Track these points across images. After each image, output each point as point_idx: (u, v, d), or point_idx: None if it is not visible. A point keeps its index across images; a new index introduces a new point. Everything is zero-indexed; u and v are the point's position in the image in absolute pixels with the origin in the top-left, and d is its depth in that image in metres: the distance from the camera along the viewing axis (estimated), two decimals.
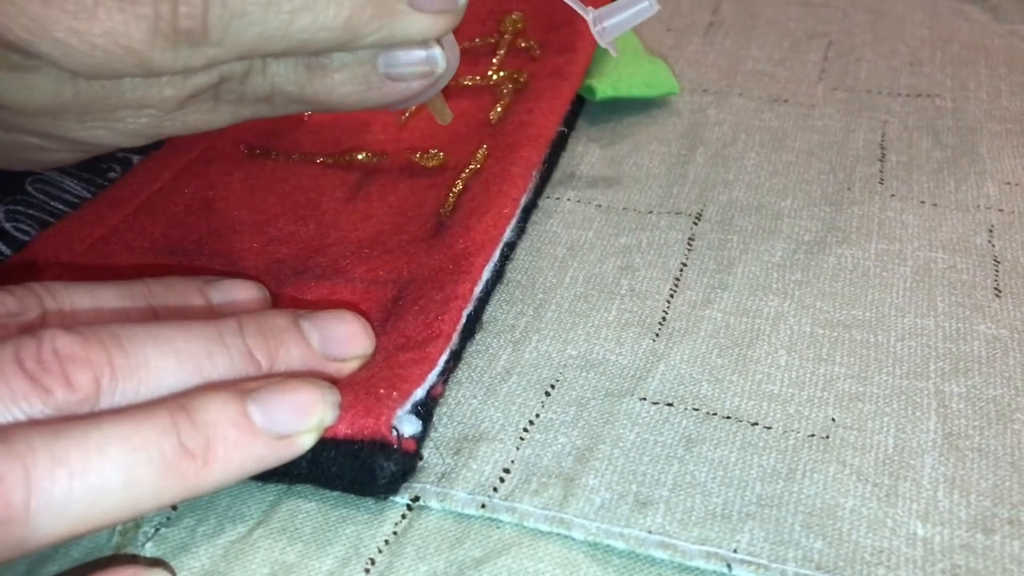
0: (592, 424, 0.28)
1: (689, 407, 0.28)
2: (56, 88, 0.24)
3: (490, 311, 0.32)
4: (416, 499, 0.26)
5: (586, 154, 0.40)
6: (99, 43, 0.22)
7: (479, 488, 0.26)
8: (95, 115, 0.25)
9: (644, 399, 0.28)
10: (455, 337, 0.29)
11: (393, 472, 0.25)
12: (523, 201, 0.35)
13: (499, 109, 0.39)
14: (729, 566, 0.24)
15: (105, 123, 0.26)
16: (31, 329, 0.23)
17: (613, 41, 0.29)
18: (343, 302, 0.31)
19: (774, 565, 0.24)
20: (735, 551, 0.24)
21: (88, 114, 0.25)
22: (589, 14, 0.29)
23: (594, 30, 0.29)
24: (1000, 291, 0.32)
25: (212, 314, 0.28)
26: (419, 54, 0.26)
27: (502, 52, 0.43)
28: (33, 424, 0.21)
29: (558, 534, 0.25)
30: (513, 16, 0.45)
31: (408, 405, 0.26)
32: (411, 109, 0.40)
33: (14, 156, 0.28)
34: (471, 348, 0.30)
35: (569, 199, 0.37)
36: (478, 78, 0.42)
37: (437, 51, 0.26)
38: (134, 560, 0.24)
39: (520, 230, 0.34)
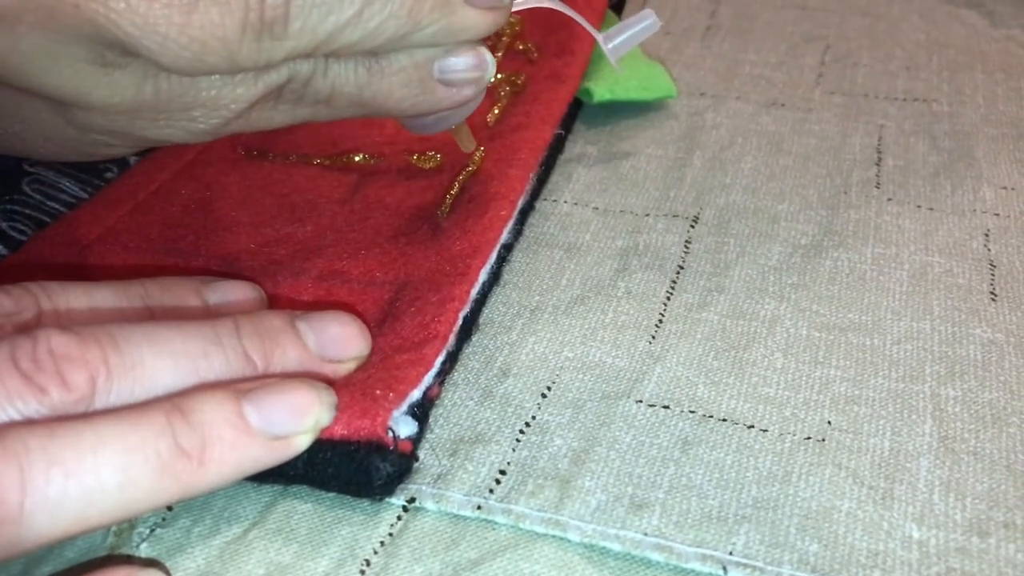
0: (588, 426, 0.28)
1: (685, 409, 0.28)
2: (139, 86, 0.25)
3: (487, 313, 0.32)
4: (412, 500, 0.26)
5: (583, 157, 0.40)
6: (196, 35, 0.23)
7: (475, 489, 0.26)
8: (170, 114, 0.26)
9: (640, 401, 0.28)
10: (451, 339, 0.29)
11: (389, 473, 0.25)
12: (520, 203, 0.35)
13: (496, 111, 0.39)
14: (725, 568, 0.24)
15: (177, 122, 0.27)
16: (27, 329, 0.23)
17: (620, 59, 0.31)
18: (340, 303, 0.31)
19: (769, 568, 0.24)
20: (731, 553, 0.24)
21: (163, 113, 0.26)
22: (599, 35, 0.30)
23: (605, 49, 0.30)
24: (996, 295, 0.32)
25: (208, 315, 0.28)
26: (472, 59, 0.28)
27: (500, 54, 0.43)
28: (28, 424, 0.21)
29: (554, 536, 0.25)
30: (511, 18, 0.45)
31: (404, 406, 0.26)
32: None
33: (78, 150, 0.29)
34: (467, 350, 0.30)
35: (566, 201, 0.37)
36: None
37: (489, 57, 0.28)
38: (129, 561, 0.24)
39: (517, 232, 0.34)
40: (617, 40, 0.30)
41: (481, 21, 0.27)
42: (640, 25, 0.30)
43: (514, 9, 0.27)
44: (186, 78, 0.25)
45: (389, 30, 0.26)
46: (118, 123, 0.26)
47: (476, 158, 0.36)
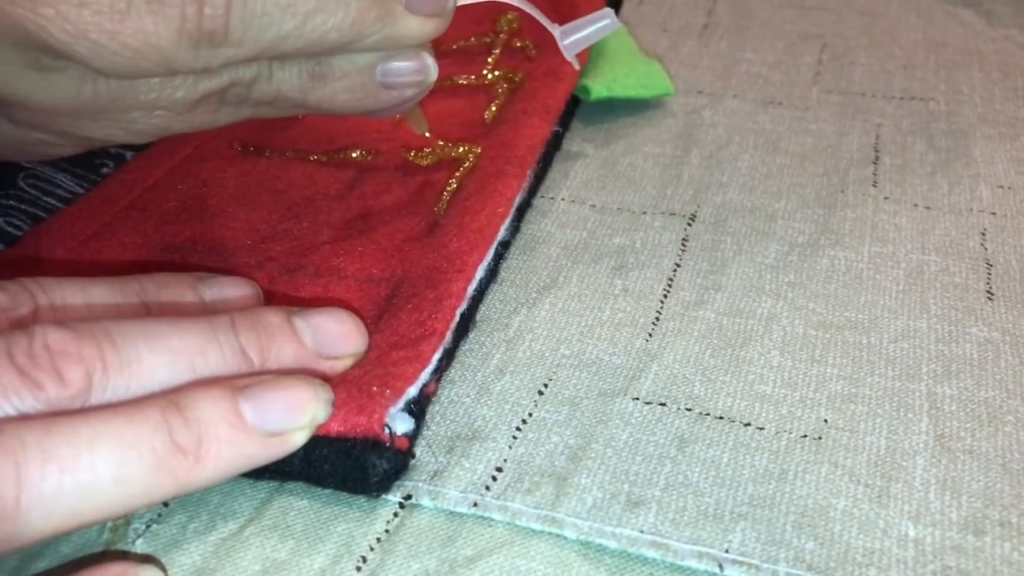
0: (585, 423, 0.27)
1: (682, 407, 0.28)
2: (78, 88, 0.25)
3: (484, 310, 0.32)
4: (408, 497, 0.26)
5: (581, 154, 0.40)
6: (129, 43, 0.23)
7: (471, 486, 0.26)
8: (109, 115, 0.26)
9: (637, 399, 0.28)
10: (448, 335, 0.29)
11: (385, 470, 0.25)
12: (517, 200, 0.35)
13: (494, 108, 0.39)
14: (721, 566, 0.24)
15: (118, 123, 0.27)
16: (23, 324, 0.23)
17: (575, 56, 0.31)
18: (336, 300, 0.31)
19: (766, 565, 0.24)
20: (727, 551, 0.24)
21: (103, 114, 0.26)
22: (556, 30, 0.30)
23: (561, 45, 0.31)
24: (992, 294, 0.32)
25: (205, 311, 0.28)
26: (413, 64, 0.28)
27: (497, 52, 0.43)
28: (24, 419, 0.21)
29: (550, 533, 0.25)
30: (509, 16, 0.45)
31: (401, 403, 0.26)
32: None
33: (23, 150, 0.29)
34: (464, 347, 0.30)
35: (563, 199, 0.37)
36: (473, 77, 0.42)
37: (430, 60, 0.28)
38: (124, 557, 0.24)
39: (514, 229, 0.34)
40: (573, 38, 0.31)
41: (422, 28, 0.27)
42: (597, 25, 0.31)
43: (460, 3, 0.28)
44: (124, 81, 0.25)
45: (331, 40, 0.26)
46: (59, 123, 0.27)
47: (473, 155, 0.36)
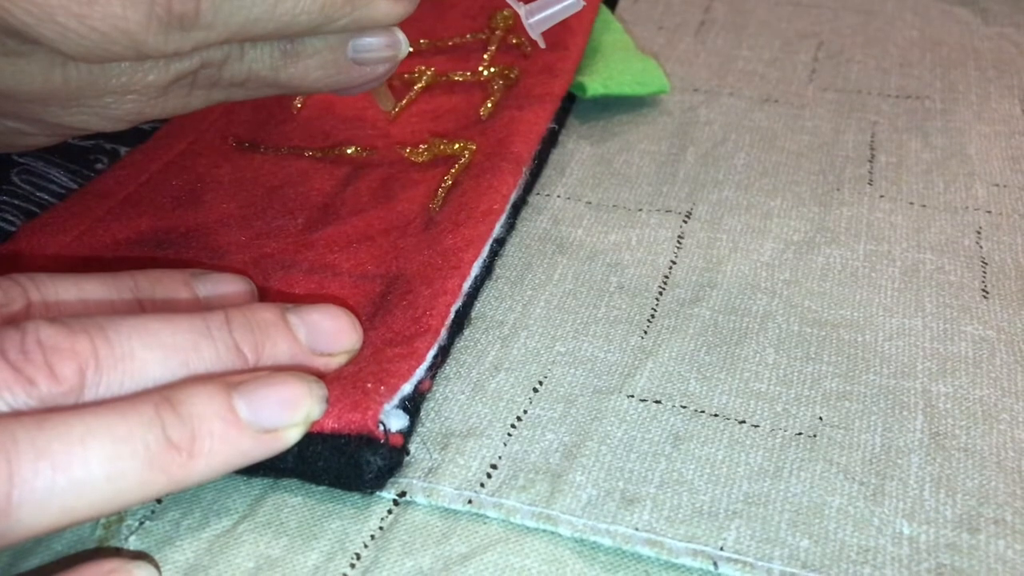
0: (580, 421, 0.27)
1: (677, 404, 0.28)
2: (47, 74, 0.25)
3: (479, 307, 0.32)
4: (403, 494, 0.25)
5: (576, 151, 0.40)
6: (97, 26, 0.23)
7: (466, 484, 0.26)
8: (81, 101, 0.26)
9: (632, 396, 0.28)
10: (443, 332, 0.29)
11: (380, 467, 0.25)
12: (513, 197, 0.35)
13: (489, 105, 0.39)
14: (715, 564, 0.24)
15: (90, 108, 0.27)
16: (16, 320, 0.22)
17: (541, 35, 0.32)
18: (331, 296, 0.30)
19: (760, 563, 0.24)
20: (721, 549, 0.24)
21: (74, 100, 0.26)
22: (521, 8, 0.31)
23: (526, 23, 0.31)
24: (988, 292, 0.32)
25: (199, 307, 0.28)
26: (384, 39, 0.29)
27: (493, 48, 0.43)
28: (16, 416, 0.21)
29: (545, 530, 0.25)
30: (504, 12, 0.44)
31: (395, 400, 0.26)
32: (402, 103, 0.40)
33: None
34: (459, 344, 0.30)
35: (559, 196, 0.37)
36: (469, 74, 0.42)
37: (401, 36, 0.29)
38: (117, 553, 0.24)
39: (510, 226, 0.34)
40: (538, 16, 0.31)
41: (391, 11, 0.27)
42: (562, 4, 0.31)
43: None
44: (94, 65, 0.25)
45: (302, 22, 0.26)
46: (29, 110, 0.26)
47: (469, 152, 0.36)
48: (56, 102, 0.26)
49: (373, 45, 0.28)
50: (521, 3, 0.31)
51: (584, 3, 0.31)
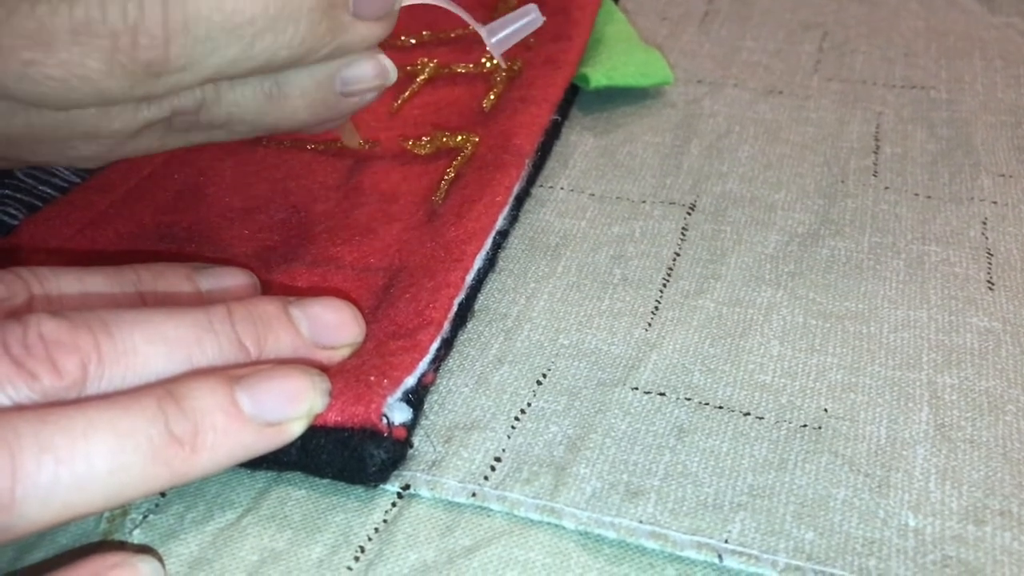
0: (584, 413, 0.27)
1: (681, 397, 0.28)
2: (8, 119, 0.24)
3: (482, 299, 0.31)
4: (406, 487, 0.25)
5: (580, 143, 0.40)
6: (54, 73, 0.22)
7: (470, 476, 0.26)
8: (49, 143, 0.25)
9: (636, 388, 0.28)
10: (446, 325, 0.29)
11: (383, 460, 0.25)
12: (516, 189, 0.34)
13: (492, 97, 0.39)
14: (720, 556, 0.24)
15: (57, 150, 0.26)
16: (18, 314, 0.22)
17: (502, 54, 0.31)
18: (334, 290, 0.30)
19: (765, 556, 0.24)
20: (726, 541, 0.24)
21: (40, 143, 0.25)
22: (482, 29, 0.31)
23: (488, 43, 0.31)
24: (993, 284, 0.32)
25: (201, 301, 0.28)
26: (371, 69, 0.27)
27: None
28: (19, 410, 0.21)
29: (549, 523, 0.25)
30: (510, 3, 0.44)
31: (399, 393, 0.26)
32: (404, 95, 0.40)
33: None
34: (463, 336, 0.30)
35: (562, 188, 0.37)
36: (471, 65, 0.41)
37: (387, 63, 0.28)
38: (122, 547, 0.24)
39: (513, 218, 0.34)
40: (500, 35, 0.31)
41: (371, 32, 0.26)
42: (522, 21, 0.31)
43: (403, 4, 0.28)
44: (59, 112, 0.24)
45: (282, 57, 0.25)
46: None
47: (471, 144, 0.36)
48: (23, 146, 0.25)
49: (362, 76, 0.27)
50: (481, 24, 0.31)
51: (544, 19, 0.31)
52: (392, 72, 0.28)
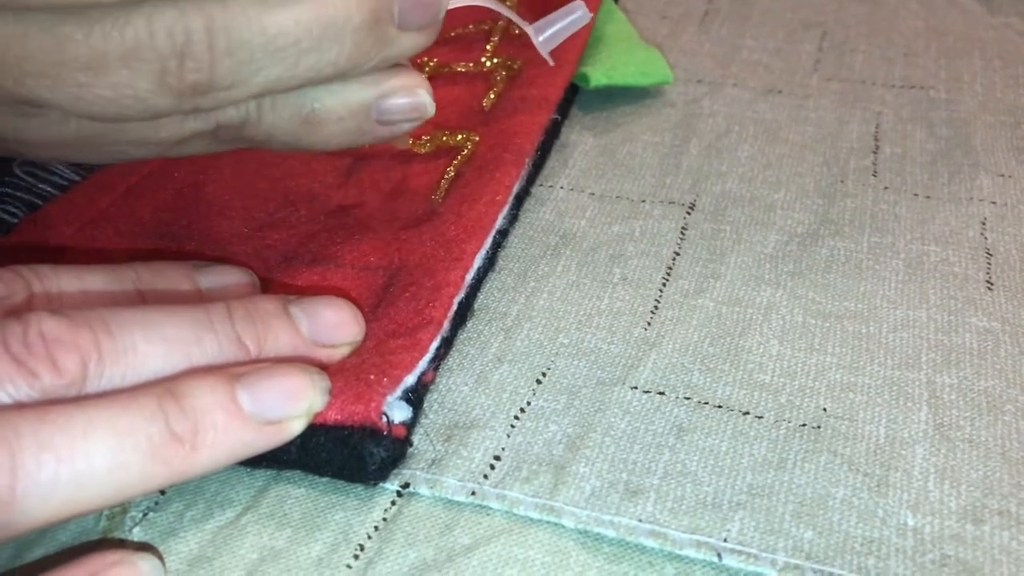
0: (583, 412, 0.27)
1: (680, 396, 0.28)
2: (60, 129, 0.25)
3: (482, 298, 0.31)
4: (406, 485, 0.25)
5: (580, 142, 0.40)
6: (106, 94, 0.23)
7: (469, 475, 0.26)
8: (97, 148, 0.26)
9: (635, 387, 0.28)
10: (446, 324, 0.29)
11: (383, 458, 0.25)
12: (516, 188, 0.34)
13: (492, 96, 0.39)
14: (719, 555, 0.24)
15: (107, 153, 0.26)
16: (18, 312, 0.22)
17: (550, 53, 0.31)
18: (333, 288, 0.30)
19: (764, 554, 0.24)
20: (725, 540, 0.24)
21: (88, 148, 0.26)
22: (529, 28, 0.31)
23: (536, 42, 0.31)
24: (992, 284, 0.32)
25: (201, 299, 0.28)
26: (409, 102, 0.27)
27: (496, 39, 0.43)
28: (19, 408, 0.21)
29: (548, 522, 0.25)
30: (508, 3, 0.44)
31: (398, 391, 0.26)
32: None
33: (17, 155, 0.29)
34: (462, 335, 0.30)
35: (562, 187, 0.37)
36: (471, 64, 0.41)
37: (427, 98, 0.27)
38: (121, 545, 0.24)
39: (513, 217, 0.34)
40: (547, 33, 0.31)
41: (416, 42, 0.26)
42: (569, 18, 0.31)
43: (450, 7, 0.27)
44: (109, 123, 0.24)
45: (327, 74, 0.25)
46: (46, 152, 0.26)
47: (471, 143, 0.36)
48: (71, 149, 0.26)
49: (399, 107, 0.27)
50: (529, 24, 0.31)
51: (591, 16, 0.31)
52: (430, 107, 0.27)
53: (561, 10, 0.31)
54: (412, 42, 0.26)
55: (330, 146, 0.27)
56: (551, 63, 0.31)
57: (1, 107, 0.24)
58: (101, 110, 0.23)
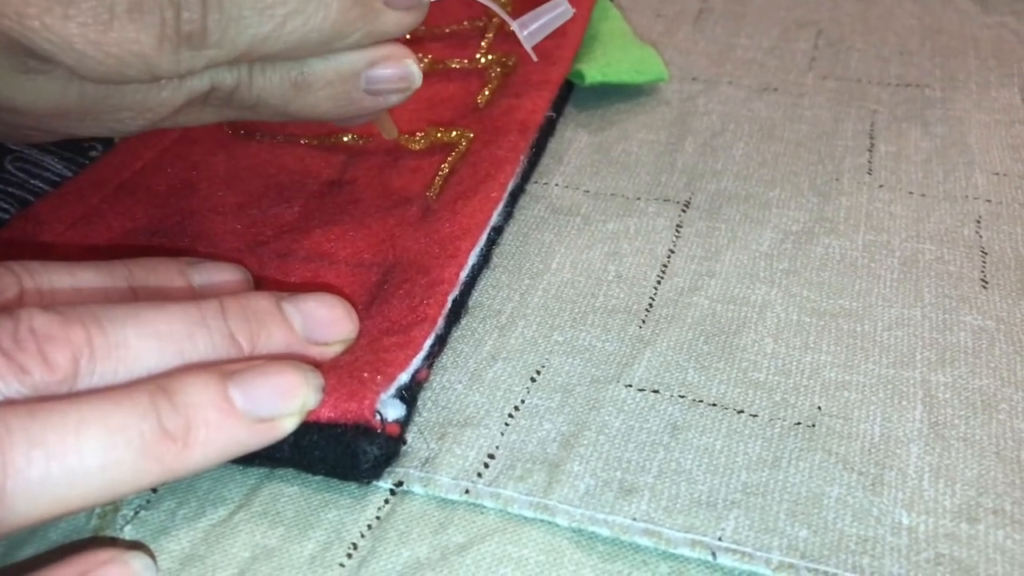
0: (577, 410, 0.27)
1: (675, 394, 0.28)
2: (63, 91, 0.25)
3: (476, 296, 0.31)
4: (399, 484, 0.25)
5: (574, 140, 0.40)
6: (113, 51, 0.23)
7: (463, 473, 0.25)
8: (96, 115, 0.26)
9: (630, 386, 0.28)
10: (440, 321, 0.28)
11: (376, 456, 0.25)
12: (510, 186, 0.34)
13: (487, 93, 0.39)
14: (714, 554, 0.24)
15: (104, 122, 0.27)
16: (9, 308, 0.22)
17: (533, 47, 0.32)
18: (327, 285, 0.30)
19: (759, 553, 0.24)
20: (720, 539, 0.24)
21: (90, 115, 0.26)
22: (514, 23, 0.31)
23: (521, 36, 0.31)
24: (987, 282, 0.32)
25: (194, 296, 0.28)
26: (398, 71, 0.28)
27: (490, 35, 0.43)
28: (9, 404, 0.21)
29: (542, 520, 0.25)
30: (502, 0, 0.44)
31: (392, 389, 0.26)
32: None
33: (8, 135, 0.29)
34: (456, 333, 0.30)
35: (557, 184, 0.37)
36: (466, 61, 0.41)
37: (414, 68, 0.28)
38: (113, 543, 0.24)
39: (507, 215, 0.34)
40: (532, 27, 0.31)
41: (402, 21, 0.27)
42: (553, 12, 0.31)
43: None
44: (112, 86, 0.25)
45: (312, 40, 0.26)
46: (45, 123, 0.27)
47: (466, 140, 0.36)
48: (72, 117, 0.26)
49: (387, 76, 0.28)
50: (512, 19, 0.31)
51: (574, 10, 0.31)
52: (417, 78, 0.29)
53: (545, 5, 0.31)
54: (398, 20, 0.27)
55: (317, 112, 0.28)
56: (534, 58, 0.32)
57: (8, 60, 0.24)
58: (105, 70, 0.24)
